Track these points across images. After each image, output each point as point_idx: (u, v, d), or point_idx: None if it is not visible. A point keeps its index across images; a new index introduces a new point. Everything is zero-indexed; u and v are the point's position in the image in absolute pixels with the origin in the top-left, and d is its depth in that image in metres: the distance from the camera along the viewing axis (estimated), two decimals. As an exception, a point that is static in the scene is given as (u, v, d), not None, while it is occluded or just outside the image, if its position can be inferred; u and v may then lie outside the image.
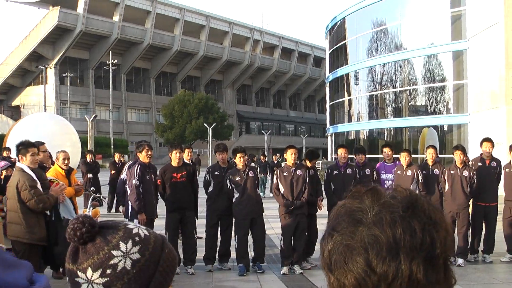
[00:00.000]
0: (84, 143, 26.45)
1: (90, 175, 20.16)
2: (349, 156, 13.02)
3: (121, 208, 11.54)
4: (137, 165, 10.36)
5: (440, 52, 39.46)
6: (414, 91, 43.72)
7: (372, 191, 1.29)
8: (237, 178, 10.98)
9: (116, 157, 21.80)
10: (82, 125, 58.99)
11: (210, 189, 11.31)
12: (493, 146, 12.46)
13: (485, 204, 12.12)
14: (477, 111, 33.23)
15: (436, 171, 12.28)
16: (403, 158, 12.41)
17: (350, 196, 1.32)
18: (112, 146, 69.45)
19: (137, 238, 1.52)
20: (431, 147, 12.85)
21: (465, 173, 11.75)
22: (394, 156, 13.83)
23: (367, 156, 13.57)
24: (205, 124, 73.60)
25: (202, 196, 11.51)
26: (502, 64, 29.40)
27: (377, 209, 1.23)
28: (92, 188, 14.50)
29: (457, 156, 11.94)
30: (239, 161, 11.10)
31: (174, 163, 10.91)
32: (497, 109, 29.97)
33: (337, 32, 55.05)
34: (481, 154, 12.49)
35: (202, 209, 11.66)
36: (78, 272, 1.46)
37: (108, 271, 1.45)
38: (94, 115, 54.66)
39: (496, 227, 12.17)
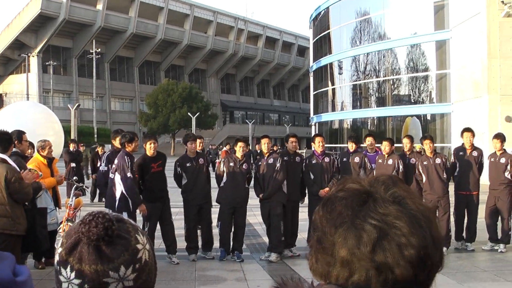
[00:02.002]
0: (67, 132, 26.29)
1: (73, 164, 20.08)
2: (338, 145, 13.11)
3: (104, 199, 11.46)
4: (127, 157, 10.16)
5: (423, 42, 39.57)
6: (398, 81, 43.84)
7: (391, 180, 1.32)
8: (231, 164, 11.25)
9: (71, 146, 21.13)
10: (65, 114, 58.67)
11: (184, 181, 11.32)
12: (473, 136, 12.58)
13: (467, 193, 12.26)
14: (460, 100, 33.41)
15: (413, 160, 12.40)
16: (384, 147, 12.52)
17: (347, 181, 1.35)
18: (96, 135, 69.17)
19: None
20: (407, 137, 12.99)
21: (438, 160, 11.89)
22: (376, 145, 13.98)
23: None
24: (189, 113, 73.56)
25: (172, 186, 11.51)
26: (485, 54, 29.56)
27: (407, 217, 1.24)
28: (75, 178, 14.47)
29: (427, 145, 12.11)
30: (239, 149, 11.35)
31: (149, 153, 10.85)
32: (480, 99, 30.16)
33: (321, 22, 55.04)
34: (463, 143, 12.60)
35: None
36: (110, 272, 1.42)
37: (137, 266, 1.45)
38: (77, 104, 54.42)
39: (477, 215, 12.28)
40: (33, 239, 8.03)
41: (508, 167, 11.98)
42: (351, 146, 13.02)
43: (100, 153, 20.90)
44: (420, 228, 1.21)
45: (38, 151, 10.50)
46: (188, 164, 11.29)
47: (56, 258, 1.47)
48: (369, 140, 14.11)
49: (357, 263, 1.22)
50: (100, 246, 1.42)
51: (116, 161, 10.22)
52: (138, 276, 1.45)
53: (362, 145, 15.84)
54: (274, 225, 11.14)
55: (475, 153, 12.38)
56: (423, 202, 1.27)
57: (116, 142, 11.18)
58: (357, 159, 12.63)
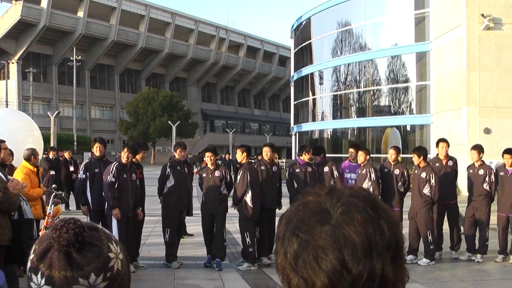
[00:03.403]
0: (46, 140, 26.12)
1: (52, 172, 19.99)
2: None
3: (82, 208, 11.43)
4: (114, 164, 10.50)
5: (404, 53, 39.80)
6: (378, 92, 44.03)
7: (332, 191, 1.30)
8: (204, 175, 11.59)
9: (51, 154, 21.09)
10: (44, 121, 58.25)
11: (170, 184, 11.43)
12: (448, 146, 12.79)
13: (445, 202, 12.43)
14: (439, 112, 33.62)
15: (397, 171, 12.49)
16: (359, 156, 12.72)
17: (309, 195, 1.33)
18: (75, 143, 68.78)
19: (113, 238, 1.52)
20: (394, 148, 13.08)
21: (423, 175, 11.99)
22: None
23: (332, 155, 13.84)
24: (169, 122, 73.40)
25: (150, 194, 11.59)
26: (464, 66, 29.78)
27: (343, 209, 1.24)
28: (54, 186, 14.39)
29: (415, 158, 12.23)
30: (208, 160, 11.60)
31: (124, 160, 10.93)
32: (459, 110, 30.36)
33: (302, 32, 55.20)
34: (437, 154, 12.84)
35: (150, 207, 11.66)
36: (79, 278, 1.40)
37: (109, 274, 1.44)
38: (57, 112, 53.94)
39: (459, 223, 12.46)
40: (18, 250, 7.96)
41: (487, 178, 12.12)
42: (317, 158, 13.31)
43: (51, 158, 20.68)
44: (346, 242, 1.21)
45: (28, 159, 10.41)
46: (178, 167, 11.55)
47: (28, 264, 1.45)
48: (350, 151, 14.28)
49: (288, 272, 1.25)
50: (71, 253, 1.41)
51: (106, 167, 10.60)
52: (109, 285, 1.44)
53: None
54: (216, 233, 11.43)
55: (450, 163, 12.65)
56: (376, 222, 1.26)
57: (95, 150, 11.24)
58: (326, 169, 12.85)
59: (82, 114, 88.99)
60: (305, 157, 12.44)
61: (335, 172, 12.85)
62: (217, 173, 11.45)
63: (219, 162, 15.85)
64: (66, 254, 1.41)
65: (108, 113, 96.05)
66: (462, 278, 10.62)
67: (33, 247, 1.47)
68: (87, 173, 11.01)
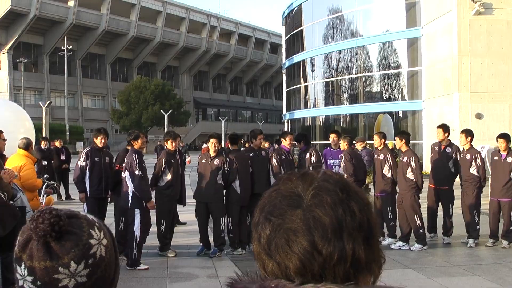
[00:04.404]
0: (38, 130, 26.04)
1: (44, 162, 19.93)
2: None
3: (78, 196, 11.47)
4: (135, 154, 10.34)
5: (395, 39, 39.82)
6: (370, 78, 44.06)
7: (304, 175, 1.32)
8: (203, 161, 11.57)
9: (43, 143, 20.94)
10: (36, 111, 57.94)
11: (167, 177, 11.37)
12: (444, 131, 12.70)
13: (437, 187, 12.48)
14: (431, 97, 33.70)
15: (381, 156, 12.52)
16: (375, 141, 12.80)
17: (282, 181, 1.34)
18: (68, 133, 68.69)
19: (97, 224, 1.52)
20: (377, 134, 13.12)
21: (405, 159, 12.03)
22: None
23: (324, 142, 13.94)
24: (161, 111, 73.28)
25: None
26: (455, 52, 29.84)
27: (314, 192, 1.25)
28: (46, 176, 14.36)
29: (397, 141, 12.34)
30: (212, 146, 11.48)
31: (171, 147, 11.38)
32: (450, 96, 30.44)
33: (293, 19, 55.13)
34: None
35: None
36: (59, 268, 1.41)
37: (90, 261, 1.44)
38: (48, 102, 53.67)
39: (451, 209, 12.49)
40: (13, 238, 7.92)
41: (473, 163, 12.17)
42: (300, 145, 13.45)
43: (43, 147, 20.59)
44: (317, 226, 1.21)
45: (27, 148, 10.43)
46: (172, 160, 11.44)
47: (14, 255, 1.46)
48: (331, 137, 14.28)
49: (263, 257, 1.27)
50: (49, 242, 1.42)
51: (125, 159, 10.46)
52: (92, 272, 1.44)
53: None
54: (215, 222, 11.46)
55: (448, 149, 12.58)
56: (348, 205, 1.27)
57: (97, 140, 11.29)
58: (308, 156, 12.93)
59: (74, 103, 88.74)
60: (285, 143, 12.51)
61: (313, 158, 12.84)
62: (216, 161, 11.36)
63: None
64: (45, 244, 1.42)
65: (100, 103, 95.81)
66: (454, 263, 10.67)
67: (18, 238, 1.48)
68: (87, 161, 11.08)
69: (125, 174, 10.33)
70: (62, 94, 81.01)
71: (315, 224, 1.21)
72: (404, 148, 12.17)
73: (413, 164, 11.85)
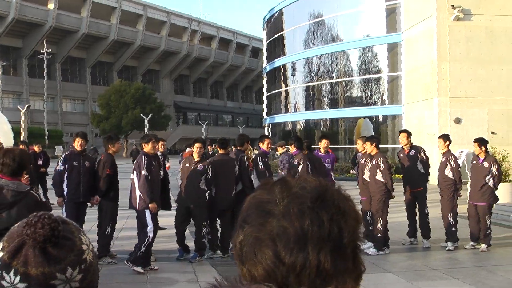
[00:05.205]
0: (17, 133, 25.86)
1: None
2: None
3: (58, 199, 11.39)
4: (144, 156, 10.46)
5: (376, 44, 40.01)
6: (350, 83, 44.20)
7: (281, 182, 1.31)
8: (186, 165, 11.52)
9: (21, 147, 20.94)
10: (15, 115, 57.49)
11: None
12: (407, 136, 13.03)
13: (411, 190, 12.72)
14: (411, 102, 33.90)
15: (362, 161, 12.81)
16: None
17: (260, 187, 1.34)
18: (47, 137, 68.28)
19: (81, 230, 1.51)
20: (360, 138, 13.37)
21: (374, 161, 12.17)
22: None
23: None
24: (142, 115, 73.01)
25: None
26: (435, 57, 30.05)
27: (287, 200, 1.25)
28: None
29: (368, 146, 12.46)
30: (197, 151, 11.48)
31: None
32: (430, 101, 30.63)
33: (274, 23, 55.20)
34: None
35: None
36: (57, 273, 1.38)
37: (83, 266, 1.43)
38: (27, 105, 53.32)
39: (427, 210, 12.66)
40: None
41: (448, 165, 12.37)
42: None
43: (37, 151, 20.61)
44: (283, 235, 1.21)
45: None
46: (152, 168, 11.14)
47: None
48: (323, 142, 14.49)
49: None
50: (46, 248, 1.39)
51: (135, 161, 10.70)
52: (84, 277, 1.44)
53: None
54: (197, 227, 11.50)
55: (412, 152, 12.88)
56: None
57: (76, 144, 11.24)
58: (296, 161, 13.00)
59: (53, 107, 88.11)
60: (264, 146, 12.57)
61: (300, 166, 12.88)
62: (199, 166, 11.36)
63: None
64: (42, 250, 1.39)
65: (79, 106, 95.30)
66: (434, 267, 10.73)
67: (1, 245, 1.44)
68: (66, 165, 11.03)
69: (133, 175, 10.46)
70: (41, 98, 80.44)
71: (280, 234, 1.21)
72: (374, 152, 12.28)
73: (381, 166, 11.97)
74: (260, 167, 12.09)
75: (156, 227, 10.46)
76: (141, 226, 10.41)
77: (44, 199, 6.31)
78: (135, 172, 10.40)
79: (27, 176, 6.23)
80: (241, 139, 12.67)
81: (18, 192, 5.60)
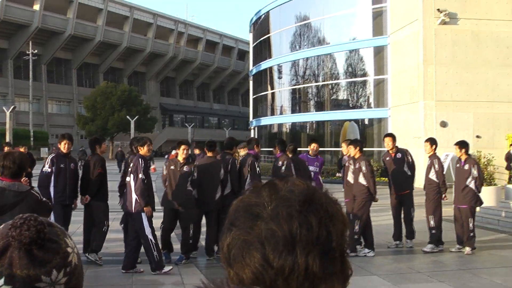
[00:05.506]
0: (2, 135, 25.73)
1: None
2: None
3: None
4: (141, 159, 10.43)
5: (362, 47, 40.09)
6: (336, 85, 44.27)
7: (269, 186, 1.31)
8: (172, 167, 11.45)
9: (6, 149, 20.60)
10: (0, 116, 57.35)
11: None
12: (393, 140, 13.17)
13: (398, 193, 12.81)
14: (397, 105, 34.00)
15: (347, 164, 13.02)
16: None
17: (248, 191, 1.34)
18: (32, 139, 67.95)
19: (67, 233, 1.49)
20: (345, 141, 13.48)
21: (357, 165, 12.31)
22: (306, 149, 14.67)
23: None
24: (127, 117, 72.77)
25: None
26: (421, 60, 30.17)
27: (275, 204, 1.25)
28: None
29: (351, 149, 12.61)
30: (183, 152, 11.46)
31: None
32: (416, 104, 30.74)
33: (261, 26, 55.22)
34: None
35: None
36: (42, 276, 1.36)
37: (68, 269, 1.41)
38: (13, 107, 53.04)
39: (413, 213, 12.79)
40: None
41: (432, 168, 12.50)
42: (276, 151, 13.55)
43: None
44: (270, 240, 1.21)
45: None
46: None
47: None
48: (313, 145, 14.63)
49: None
50: (32, 250, 1.37)
51: (131, 164, 10.50)
52: (69, 280, 1.42)
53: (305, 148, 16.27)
54: (182, 230, 11.56)
55: (398, 155, 13.00)
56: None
57: (61, 146, 11.19)
58: (280, 163, 12.97)
59: (39, 109, 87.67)
60: (257, 149, 12.87)
61: (283, 167, 12.91)
62: (186, 168, 11.35)
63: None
64: (27, 252, 1.37)
65: (65, 108, 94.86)
66: (419, 269, 10.77)
67: None
68: (53, 168, 10.98)
69: (130, 178, 10.39)
70: (26, 99, 79.99)
71: (268, 237, 1.21)
72: (358, 155, 12.36)
73: (363, 169, 12.04)
74: (258, 171, 12.16)
75: (153, 229, 10.43)
76: (137, 230, 10.36)
77: (44, 199, 6.49)
78: (131, 175, 10.32)
79: (26, 178, 6.43)
80: (230, 142, 12.70)
81: (19, 192, 5.92)
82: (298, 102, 48.85)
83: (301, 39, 46.90)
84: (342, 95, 44.57)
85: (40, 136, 73.29)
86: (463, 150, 12.37)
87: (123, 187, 11.35)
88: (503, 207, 17.05)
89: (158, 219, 11.90)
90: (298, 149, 14.73)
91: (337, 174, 23.95)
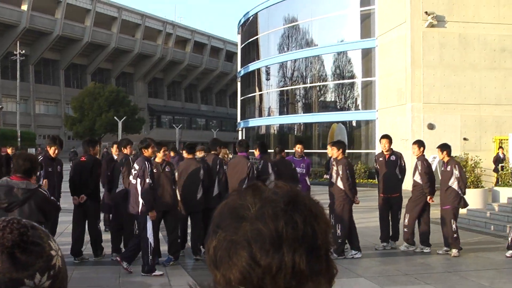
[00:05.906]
0: (-11, 135, 25.64)
1: (-6, 169, 19.59)
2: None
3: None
4: (147, 162, 10.38)
5: (350, 49, 40.15)
6: (324, 87, 44.31)
7: (253, 188, 1.32)
8: (154, 170, 11.22)
9: None
10: (-13, 116, 57.27)
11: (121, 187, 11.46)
12: (390, 142, 13.10)
13: (388, 195, 12.83)
14: (385, 107, 34.08)
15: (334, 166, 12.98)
16: (414, 149, 13.20)
17: (232, 194, 1.35)
18: (19, 139, 67.65)
19: (50, 235, 1.48)
20: (330, 144, 13.41)
21: (335, 168, 12.23)
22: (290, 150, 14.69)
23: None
24: (115, 118, 72.56)
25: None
26: (409, 63, 30.26)
27: (259, 205, 1.26)
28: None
29: (334, 151, 12.51)
30: (164, 154, 11.39)
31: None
32: (404, 106, 30.82)
33: (249, 27, 55.20)
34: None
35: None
36: (25, 280, 1.35)
37: (52, 272, 1.40)
38: (0, 107, 52.91)
39: (399, 215, 12.87)
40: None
41: (417, 170, 12.60)
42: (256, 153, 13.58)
43: (10, 154, 20.36)
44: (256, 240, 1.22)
45: None
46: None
47: None
48: (298, 147, 14.65)
49: (212, 268, 1.28)
50: (14, 254, 1.36)
51: (137, 167, 10.41)
52: (52, 283, 1.41)
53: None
54: (170, 231, 11.55)
55: (393, 158, 13.02)
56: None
57: (51, 151, 11.19)
58: (260, 165, 13.09)
59: (26, 109, 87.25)
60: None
61: (260, 166, 12.93)
62: (167, 169, 11.36)
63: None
64: (10, 255, 1.35)
65: (53, 109, 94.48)
66: (406, 272, 10.79)
67: None
68: (41, 171, 10.95)
69: (136, 181, 10.32)
70: (14, 100, 79.56)
71: (255, 236, 1.22)
72: (340, 157, 12.34)
73: (340, 172, 12.04)
74: (254, 174, 12.28)
75: (157, 232, 10.48)
76: (139, 231, 10.40)
77: (52, 197, 6.87)
78: (138, 179, 10.26)
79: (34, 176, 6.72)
80: (214, 143, 12.75)
81: (28, 189, 6.33)
82: (286, 103, 48.84)
83: (289, 41, 46.93)
84: (330, 97, 44.61)
85: (27, 137, 72.88)
86: (445, 153, 12.51)
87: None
88: (490, 209, 17.14)
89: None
90: (286, 151, 14.72)
91: (325, 176, 24.01)
